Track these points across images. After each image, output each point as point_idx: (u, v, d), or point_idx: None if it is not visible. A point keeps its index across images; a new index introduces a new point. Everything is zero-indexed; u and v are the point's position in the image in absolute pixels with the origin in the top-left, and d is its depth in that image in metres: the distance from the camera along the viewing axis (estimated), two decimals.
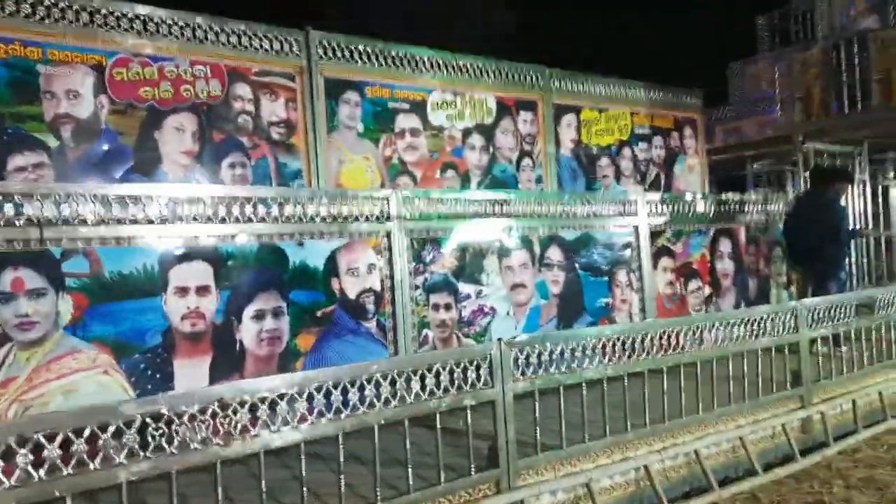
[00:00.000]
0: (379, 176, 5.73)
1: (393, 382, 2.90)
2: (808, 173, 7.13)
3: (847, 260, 6.69)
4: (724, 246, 6.83)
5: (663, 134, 8.19)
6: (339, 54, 5.49)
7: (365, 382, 2.81)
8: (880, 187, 10.05)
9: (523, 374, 3.33)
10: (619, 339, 3.73)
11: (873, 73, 7.22)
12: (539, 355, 3.39)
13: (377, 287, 4.44)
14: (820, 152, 8.19)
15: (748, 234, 7.03)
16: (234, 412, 2.49)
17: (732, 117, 10.65)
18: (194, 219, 3.69)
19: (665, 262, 6.31)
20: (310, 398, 2.69)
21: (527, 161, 6.85)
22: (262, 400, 2.57)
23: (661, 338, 3.90)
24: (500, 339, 3.28)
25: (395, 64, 5.85)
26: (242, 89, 5.03)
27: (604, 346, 3.67)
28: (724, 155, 9.76)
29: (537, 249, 5.33)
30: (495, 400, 3.22)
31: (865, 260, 9.33)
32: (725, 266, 6.81)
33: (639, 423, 3.78)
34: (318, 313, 4.18)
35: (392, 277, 4.49)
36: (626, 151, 7.81)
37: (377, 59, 5.73)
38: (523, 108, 6.81)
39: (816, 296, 6.04)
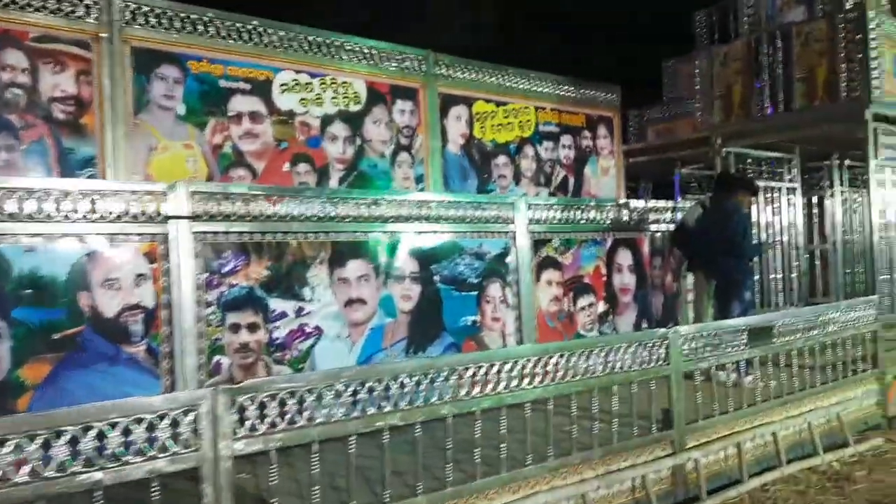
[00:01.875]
0: (205, 167, 4.86)
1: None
2: (714, 179, 6.42)
3: (752, 277, 5.98)
4: (624, 258, 6.10)
5: (573, 132, 7.43)
6: (152, 20, 4.60)
7: None
8: (816, 197, 9.44)
9: (254, 429, 2.52)
10: (411, 378, 2.94)
11: (796, 70, 6.53)
12: (283, 402, 2.60)
13: (148, 303, 3.60)
14: (742, 157, 7.51)
15: (654, 246, 6.33)
16: None
17: (664, 118, 10.01)
18: None
19: (550, 274, 5.55)
20: None
21: (404, 156, 6.04)
22: None
23: (475, 374, 3.12)
24: (214, 387, 2.48)
25: (231, 36, 4.96)
26: (14, 57, 4.13)
27: (387, 387, 2.87)
28: (642, 157, 9.05)
29: (382, 258, 4.53)
30: (201, 467, 2.40)
31: (795, 275, 8.69)
32: (625, 280, 6.08)
33: (437, 484, 3.01)
34: (57, 336, 3.33)
35: (170, 291, 3.65)
36: (529, 150, 7.03)
37: (206, 28, 4.84)
38: (400, 96, 5.98)
39: (719, 318, 5.38)
